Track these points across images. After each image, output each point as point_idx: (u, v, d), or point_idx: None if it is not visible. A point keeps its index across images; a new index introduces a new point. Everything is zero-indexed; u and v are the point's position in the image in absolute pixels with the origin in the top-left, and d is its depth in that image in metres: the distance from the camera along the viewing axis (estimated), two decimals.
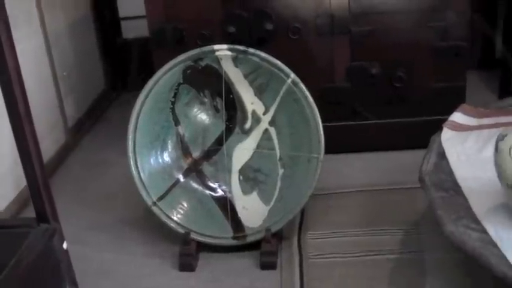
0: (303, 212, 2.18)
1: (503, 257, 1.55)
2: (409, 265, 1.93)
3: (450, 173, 1.88)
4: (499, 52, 2.75)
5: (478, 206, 1.73)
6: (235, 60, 2.01)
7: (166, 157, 2.08)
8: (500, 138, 1.64)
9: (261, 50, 2.01)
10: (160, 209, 2.03)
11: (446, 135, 2.04)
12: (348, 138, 2.50)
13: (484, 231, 1.64)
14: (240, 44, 2.03)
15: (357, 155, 2.52)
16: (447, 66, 2.41)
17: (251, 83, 2.05)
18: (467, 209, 1.73)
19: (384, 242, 2.02)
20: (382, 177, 2.36)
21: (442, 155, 1.95)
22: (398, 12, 2.38)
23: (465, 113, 2.12)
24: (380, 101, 2.47)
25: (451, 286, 1.83)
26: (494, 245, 1.59)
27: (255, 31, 2.39)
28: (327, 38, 2.40)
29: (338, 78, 2.45)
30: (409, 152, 2.36)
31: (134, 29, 3.18)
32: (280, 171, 2.05)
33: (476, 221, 1.68)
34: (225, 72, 2.03)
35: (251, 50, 1.99)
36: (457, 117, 2.12)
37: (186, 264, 1.99)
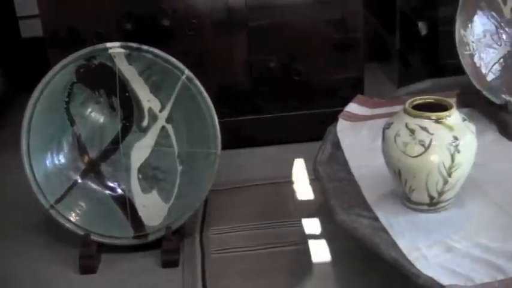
0: (205, 208, 2.19)
1: (393, 242, 1.60)
2: (309, 255, 1.96)
3: (344, 163, 1.92)
4: (397, 45, 2.82)
5: (369, 194, 1.78)
6: (129, 58, 1.98)
7: (63, 158, 2.03)
8: (387, 126, 1.68)
9: (159, 46, 1.99)
10: (58, 212, 1.99)
11: (342, 126, 2.08)
12: (250, 132, 2.51)
13: (375, 218, 1.69)
14: (137, 41, 2.00)
15: (259, 148, 2.52)
16: (344, 58, 2.45)
17: (146, 80, 2.03)
18: (360, 197, 1.78)
19: (284, 234, 2.04)
20: (284, 170, 2.38)
21: (337, 146, 1.99)
22: (294, 6, 2.40)
23: (360, 103, 2.17)
24: (280, 95, 2.48)
25: (353, 273, 1.86)
26: (385, 231, 1.64)
27: (151, 28, 2.37)
28: (225, 33, 2.40)
29: (237, 73, 2.45)
30: (310, 144, 2.36)
31: (33, 28, 3.11)
32: (179, 168, 2.04)
33: (368, 209, 1.72)
34: (119, 70, 2.00)
35: (144, 47, 1.97)
36: (352, 107, 2.16)
37: (87, 267, 1.95)
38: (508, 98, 2.03)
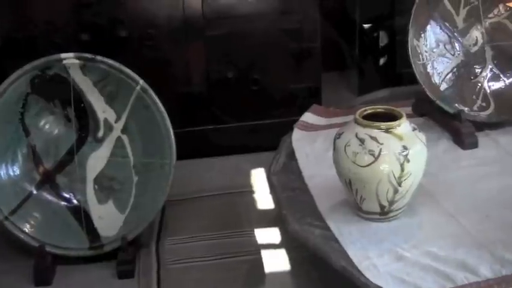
0: (162, 218, 2.18)
1: (344, 252, 1.61)
2: (264, 265, 1.96)
3: (298, 172, 1.93)
4: (356, 55, 2.85)
5: (322, 203, 1.79)
6: (84, 69, 1.97)
7: (17, 169, 2.01)
8: (337, 136, 1.69)
9: (116, 57, 1.99)
10: (13, 223, 1.96)
11: (297, 136, 2.09)
12: (208, 142, 2.51)
13: (327, 228, 1.70)
14: (95, 51, 2.00)
15: (217, 158, 2.52)
16: (301, 67, 2.47)
17: (101, 91, 2.02)
18: (313, 207, 1.79)
19: (240, 244, 2.05)
20: (241, 180, 2.39)
21: (291, 155, 2.00)
22: (251, 16, 2.41)
23: (315, 113, 2.18)
24: (238, 104, 2.49)
25: (307, 283, 1.86)
26: (336, 241, 1.65)
27: (109, 38, 2.36)
28: (182, 43, 2.41)
29: (195, 83, 2.46)
30: (268, 154, 2.35)
31: None
32: (135, 178, 2.03)
33: (320, 218, 1.73)
34: (73, 80, 1.99)
35: (99, 57, 1.96)
36: (307, 117, 2.17)
37: (42, 279, 1.93)
38: (461, 107, 2.06)
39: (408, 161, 1.60)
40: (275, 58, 2.45)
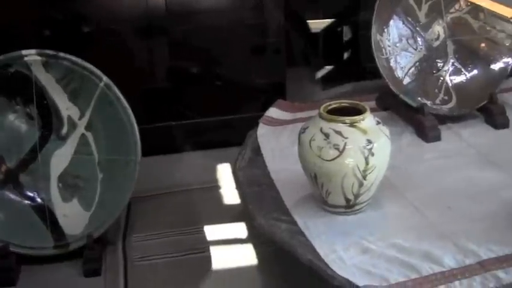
0: (128, 215, 2.17)
1: (310, 245, 1.62)
2: (232, 260, 1.97)
3: (264, 167, 1.94)
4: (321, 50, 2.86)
5: (288, 197, 1.80)
6: (46, 65, 1.95)
7: None
8: (302, 131, 1.70)
9: (79, 53, 1.97)
10: None
11: (262, 131, 2.09)
12: (173, 138, 2.49)
13: (293, 222, 1.71)
14: (57, 48, 1.98)
15: (184, 154, 2.51)
16: (266, 63, 2.47)
17: (64, 88, 1.99)
18: (279, 201, 1.79)
19: (207, 240, 2.04)
20: (207, 175, 2.38)
21: (257, 150, 2.01)
22: (215, 11, 2.41)
23: (280, 108, 2.19)
24: (202, 100, 2.48)
25: (275, 277, 1.86)
26: (302, 235, 1.66)
27: (72, 34, 2.34)
28: (145, 39, 2.39)
29: (158, 79, 2.45)
30: (234, 149, 2.36)
31: None
32: (100, 175, 2.01)
33: (286, 213, 1.74)
34: (36, 77, 1.97)
35: (61, 54, 1.95)
36: (272, 112, 2.18)
37: (6, 279, 1.90)
38: (423, 101, 2.09)
39: (373, 154, 1.62)
40: (239, 53, 2.45)
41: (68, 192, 2.04)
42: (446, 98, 2.12)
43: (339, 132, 1.62)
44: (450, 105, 2.11)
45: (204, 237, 2.06)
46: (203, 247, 2.01)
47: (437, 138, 2.03)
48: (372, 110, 2.16)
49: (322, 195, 1.69)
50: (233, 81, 2.47)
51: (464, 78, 2.17)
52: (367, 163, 1.61)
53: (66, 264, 1.97)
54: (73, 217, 2.01)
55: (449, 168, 1.89)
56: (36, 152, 2.02)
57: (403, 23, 2.16)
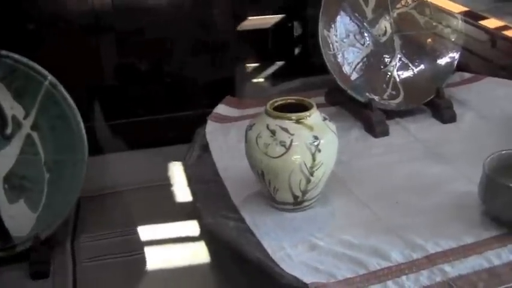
0: (77, 215, 2.13)
1: (258, 243, 1.61)
2: (182, 259, 1.93)
3: (212, 165, 1.92)
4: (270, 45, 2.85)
5: (236, 195, 1.79)
6: None
7: None
8: (249, 128, 1.69)
9: (25, 51, 1.93)
10: None
11: (210, 128, 2.08)
12: (122, 136, 2.46)
13: (242, 220, 1.70)
14: (1, 46, 1.94)
15: (135, 152, 2.45)
16: (215, 59, 2.46)
17: (8, 87, 1.94)
18: (227, 199, 1.78)
19: (158, 238, 2.01)
20: (157, 173, 2.32)
21: (205, 148, 1.99)
22: (163, 7, 2.38)
23: (229, 104, 2.18)
24: (151, 97, 2.46)
25: (226, 276, 1.85)
26: (251, 232, 1.65)
27: (16, 32, 2.29)
28: (92, 37, 2.36)
29: (107, 77, 2.42)
30: (184, 146, 2.34)
31: None
32: (47, 176, 1.97)
33: (234, 210, 1.73)
34: None
35: (4, 52, 1.90)
36: (221, 109, 2.17)
37: None
38: (371, 96, 2.10)
39: (319, 150, 1.61)
40: (189, 50, 2.43)
41: (14, 193, 1.98)
42: (394, 93, 2.13)
43: (285, 129, 1.61)
44: (398, 100, 2.12)
45: (155, 236, 2.04)
46: (154, 246, 1.99)
47: (385, 133, 2.03)
48: (321, 106, 2.20)
49: (270, 192, 1.68)
50: (182, 78, 2.45)
51: (412, 73, 2.18)
52: (314, 159, 1.61)
53: (12, 267, 1.92)
54: (19, 218, 1.96)
55: (396, 163, 1.89)
56: None
57: (350, 19, 2.15)
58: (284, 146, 1.60)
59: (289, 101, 1.70)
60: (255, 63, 2.90)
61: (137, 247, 1.99)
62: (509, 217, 1.59)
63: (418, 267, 1.51)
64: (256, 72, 2.86)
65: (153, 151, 2.46)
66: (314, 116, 1.65)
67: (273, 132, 1.62)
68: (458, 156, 1.90)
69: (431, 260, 1.52)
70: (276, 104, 1.69)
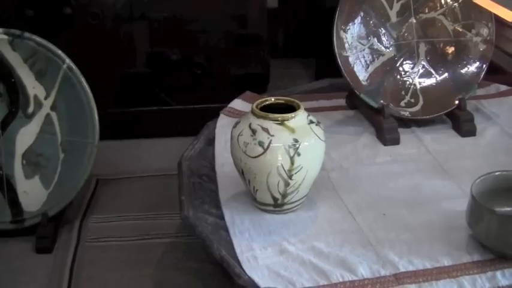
0: (92, 197, 2.21)
1: (230, 241, 1.60)
2: (180, 248, 1.97)
3: (212, 159, 1.92)
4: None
5: (224, 191, 1.78)
6: (12, 44, 2.00)
7: None
8: (234, 125, 1.68)
9: (61, 34, 2.01)
10: None
11: (222, 122, 2.07)
12: (149, 123, 2.51)
13: (221, 217, 1.69)
14: (40, 29, 2.02)
15: (157, 140, 2.51)
16: (248, 53, 2.45)
17: (31, 68, 2.04)
18: (215, 194, 1.78)
19: (162, 226, 2.06)
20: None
21: (211, 141, 1.99)
22: None
23: (245, 99, 2.16)
24: (181, 87, 2.49)
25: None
26: (226, 230, 1.65)
27: (54, 15, 2.37)
28: (126, 24, 2.40)
29: (138, 64, 2.46)
30: None
31: None
32: (61, 155, 2.05)
33: (218, 207, 1.73)
34: (3, 56, 2.01)
35: (27, 34, 1.99)
36: (236, 104, 2.16)
37: None
38: (386, 102, 2.02)
39: (299, 154, 1.57)
40: (221, 43, 2.43)
41: (30, 169, 2.08)
42: (412, 100, 2.03)
43: (265, 129, 1.58)
44: (415, 108, 2.02)
45: (160, 223, 2.07)
46: (156, 233, 2.02)
47: (396, 141, 1.95)
48: (342, 108, 2.17)
49: (251, 192, 1.67)
50: (213, 70, 2.46)
51: (434, 81, 2.07)
52: (292, 163, 1.57)
53: (20, 240, 2.03)
54: (33, 194, 2.06)
55: (397, 174, 1.82)
56: (3, 129, 2.06)
57: (372, 21, 2.05)
58: (262, 146, 1.57)
59: (278, 101, 1.68)
60: (287, 58, 2.88)
61: (141, 233, 2.04)
62: (492, 242, 1.50)
63: (382, 284, 1.45)
64: (288, 68, 2.83)
65: (181, 140, 2.39)
66: (299, 119, 1.60)
67: (254, 132, 1.59)
68: (466, 172, 1.78)
69: (399, 279, 1.46)
70: (264, 104, 1.66)
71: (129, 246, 2.00)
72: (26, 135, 2.08)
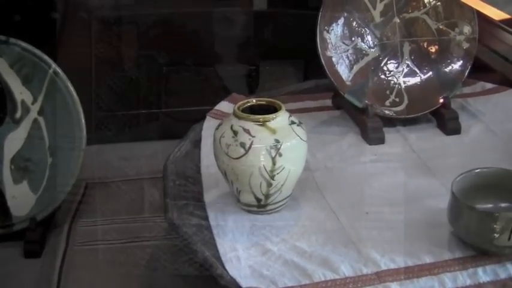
0: (81, 200, 2.22)
1: (212, 242, 1.60)
2: (168, 250, 1.98)
3: (198, 161, 1.93)
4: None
5: (209, 193, 1.78)
6: None
7: None
8: (217, 127, 1.69)
9: (49, 40, 2.02)
10: None
11: (208, 124, 2.08)
12: (138, 126, 2.52)
13: (206, 218, 1.70)
14: (27, 34, 2.03)
15: (145, 143, 2.51)
16: (236, 55, 2.46)
17: (18, 73, 2.05)
18: (200, 196, 1.79)
19: (150, 229, 2.06)
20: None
21: (197, 144, 2.00)
22: (186, 1, 2.41)
23: (231, 101, 2.17)
24: (169, 90, 2.50)
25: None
26: (210, 231, 1.65)
27: (40, 21, 2.37)
28: (114, 28, 2.42)
29: (126, 67, 2.47)
30: None
31: None
32: (49, 160, 2.06)
33: (202, 208, 1.73)
34: None
35: (12, 39, 2.00)
36: (222, 106, 2.16)
37: None
38: (370, 102, 2.02)
39: (280, 155, 1.58)
40: (209, 45, 2.44)
41: (19, 174, 2.09)
42: (397, 100, 2.03)
43: (247, 131, 1.59)
44: (400, 107, 2.02)
45: (149, 226, 2.07)
46: (145, 236, 2.03)
47: (381, 140, 1.96)
48: (327, 109, 2.18)
49: (235, 193, 1.68)
50: (202, 72, 2.47)
51: (419, 80, 2.08)
52: (274, 163, 1.58)
53: (8, 245, 2.04)
54: (21, 199, 2.07)
55: (381, 173, 1.82)
56: None
57: (355, 21, 2.06)
58: (244, 147, 1.58)
59: (259, 102, 1.69)
60: (275, 59, 2.88)
61: (129, 236, 2.04)
62: (473, 239, 1.51)
63: (364, 282, 1.46)
64: (275, 70, 2.84)
65: (170, 143, 2.47)
66: (280, 119, 1.61)
67: (235, 133, 1.60)
68: (450, 170, 1.75)
69: (381, 277, 1.46)
70: (246, 105, 1.67)
71: (117, 249, 2.00)
72: (14, 141, 2.10)
